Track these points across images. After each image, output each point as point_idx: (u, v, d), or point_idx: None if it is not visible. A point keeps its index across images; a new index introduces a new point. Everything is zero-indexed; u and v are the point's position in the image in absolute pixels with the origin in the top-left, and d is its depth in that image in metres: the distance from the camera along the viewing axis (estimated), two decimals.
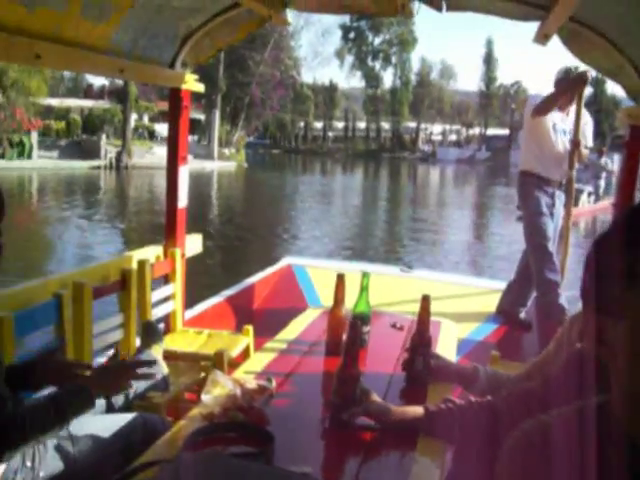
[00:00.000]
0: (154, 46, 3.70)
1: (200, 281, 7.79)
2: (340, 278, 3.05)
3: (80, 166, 39.68)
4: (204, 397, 2.30)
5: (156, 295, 4.16)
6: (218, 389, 2.30)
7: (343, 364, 2.26)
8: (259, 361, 2.90)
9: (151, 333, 3.45)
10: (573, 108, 5.64)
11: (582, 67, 5.29)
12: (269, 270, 6.40)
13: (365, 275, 2.96)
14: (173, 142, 4.30)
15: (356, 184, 43.57)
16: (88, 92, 60.08)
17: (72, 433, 2.32)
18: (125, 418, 2.55)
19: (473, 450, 2.08)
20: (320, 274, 6.36)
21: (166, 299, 4.31)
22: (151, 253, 4.30)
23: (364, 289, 2.99)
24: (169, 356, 3.48)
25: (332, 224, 22.44)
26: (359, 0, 3.87)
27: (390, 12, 3.88)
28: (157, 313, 4.17)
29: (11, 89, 37.55)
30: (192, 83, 4.18)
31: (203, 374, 3.57)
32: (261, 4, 3.59)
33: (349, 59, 77.11)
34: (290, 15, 3.95)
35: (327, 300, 5.49)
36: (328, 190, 37.17)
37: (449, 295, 5.81)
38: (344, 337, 2.95)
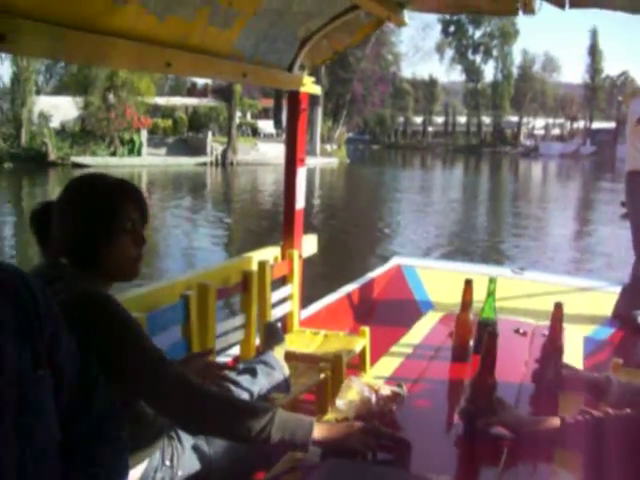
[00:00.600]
0: (274, 50, 3.73)
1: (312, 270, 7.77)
2: (468, 283, 2.96)
3: (187, 163, 40.72)
4: (338, 402, 2.30)
5: (275, 296, 4.17)
6: (352, 394, 2.30)
7: (479, 372, 2.22)
8: (386, 365, 2.88)
9: (272, 334, 3.47)
10: None
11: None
12: (379, 270, 6.37)
13: (492, 280, 2.88)
14: (291, 144, 4.31)
15: (457, 179, 43.21)
16: (192, 91, 61.31)
17: None
18: None
19: (613, 464, 2.01)
20: (430, 275, 6.32)
21: (284, 300, 4.32)
22: (270, 254, 4.33)
23: (491, 294, 2.91)
24: (288, 357, 3.48)
25: (435, 219, 22.30)
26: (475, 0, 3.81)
27: (510, 11, 3.77)
28: (275, 314, 4.19)
29: (122, 89, 38.78)
30: (310, 85, 4.20)
31: (322, 375, 3.56)
32: (380, 6, 3.56)
33: (449, 53, 76.34)
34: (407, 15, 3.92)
35: (438, 301, 5.47)
36: (430, 185, 37.20)
37: (562, 298, 5.65)
38: (471, 343, 2.94)
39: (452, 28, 73.09)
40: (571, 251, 16.98)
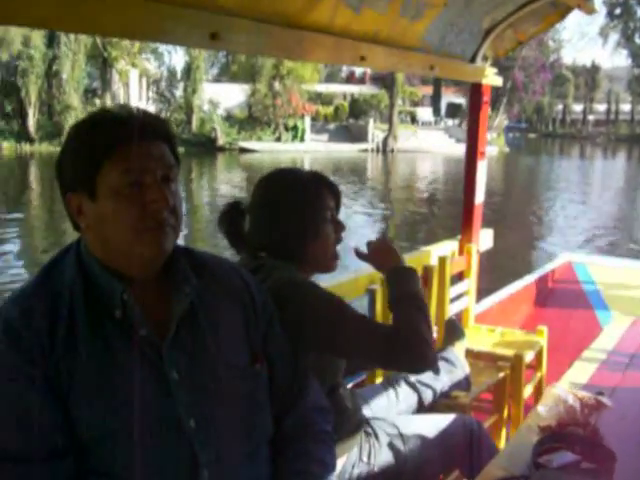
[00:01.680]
0: (459, 41, 3.66)
1: None
2: None
3: (349, 149, 41.18)
4: (540, 408, 2.26)
5: (452, 291, 4.09)
6: (556, 401, 2.24)
7: None
8: (582, 372, 2.78)
9: (453, 331, 3.43)
10: None
11: None
12: (548, 267, 6.13)
13: None
14: (473, 136, 4.21)
15: (620, 170, 41.28)
16: (350, 78, 61.62)
17: (402, 432, 2.35)
18: (446, 419, 2.53)
19: None
20: (603, 272, 6.01)
21: (460, 296, 4.23)
22: (447, 248, 4.26)
23: None
24: (466, 354, 3.41)
25: (599, 212, 21.49)
26: None
27: None
28: (451, 309, 4.10)
29: (287, 77, 39.59)
30: (492, 77, 4.11)
31: (501, 374, 3.47)
32: None
33: (613, 37, 72.90)
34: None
35: (614, 302, 5.22)
36: (592, 176, 35.76)
37: None
38: None
39: (618, 10, 69.66)
40: None
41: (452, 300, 4.11)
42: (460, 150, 37.53)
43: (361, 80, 58.25)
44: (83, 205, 1.50)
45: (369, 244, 2.31)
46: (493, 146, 46.74)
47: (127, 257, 1.51)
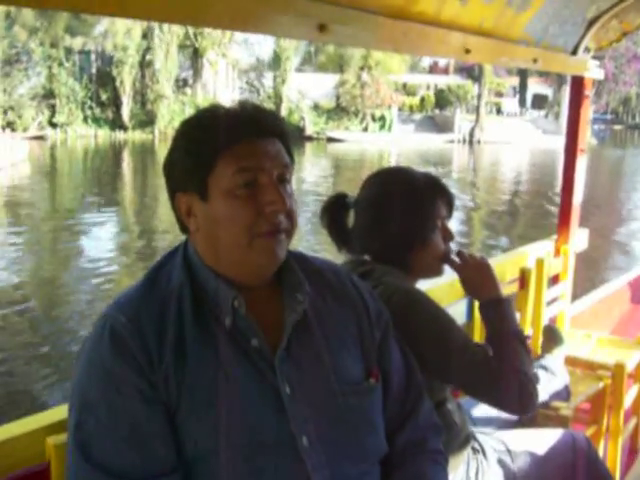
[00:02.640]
0: (562, 33, 3.51)
1: None
2: None
3: (436, 139, 40.98)
4: None
5: (547, 295, 3.93)
6: None
7: None
8: None
9: (552, 337, 3.31)
10: None
11: None
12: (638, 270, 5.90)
13: None
14: (573, 132, 4.03)
15: None
16: (433, 68, 60.94)
17: (509, 447, 2.20)
18: (555, 435, 2.36)
19: None
20: None
21: (555, 299, 4.07)
22: (543, 249, 4.09)
23: None
24: (565, 361, 3.27)
25: None
26: None
27: None
28: (546, 314, 3.93)
29: (375, 68, 39.58)
30: (594, 70, 3.93)
31: (601, 384, 3.33)
32: None
33: None
34: None
35: None
36: None
37: None
38: None
39: None
40: None
41: (547, 304, 3.95)
42: (546, 142, 37.27)
43: (445, 70, 57.53)
44: (194, 206, 1.43)
45: (461, 255, 2.15)
46: None
47: (239, 263, 1.42)
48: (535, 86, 58.44)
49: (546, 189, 23.14)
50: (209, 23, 2.28)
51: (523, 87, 57.10)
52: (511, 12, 2.99)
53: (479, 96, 44.22)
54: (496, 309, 2.05)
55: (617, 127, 67.38)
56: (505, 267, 3.68)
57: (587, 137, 4.09)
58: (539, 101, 56.49)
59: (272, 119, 1.50)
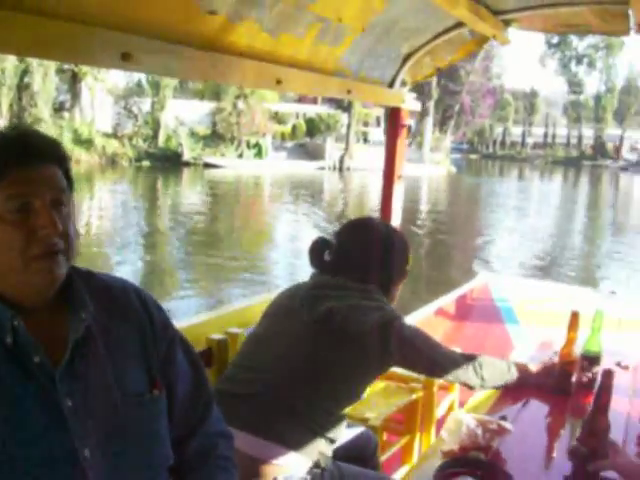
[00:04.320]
0: (377, 66, 3.64)
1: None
2: (574, 317, 2.82)
3: (307, 167, 41.46)
4: (443, 433, 2.25)
5: None
6: (461, 428, 2.21)
7: (593, 412, 2.09)
8: (487, 396, 2.75)
9: None
10: None
11: None
12: (465, 287, 6.10)
13: (599, 313, 2.74)
14: (390, 159, 4.15)
15: (556, 192, 42.10)
16: (302, 98, 61.55)
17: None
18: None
19: None
20: (517, 293, 6.02)
21: None
22: None
23: (596, 329, 2.77)
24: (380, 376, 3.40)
25: (531, 233, 21.88)
26: (587, 19, 3.64)
27: (622, 31, 3.61)
28: None
29: (251, 97, 39.77)
30: (410, 102, 4.07)
31: (413, 396, 3.44)
32: (485, 24, 3.46)
33: (552, 65, 74.26)
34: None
35: (528, 323, 5.25)
36: (534, 196, 36.87)
37: None
38: (574, 377, 2.79)
39: (556, 40, 70.98)
40: None
41: None
42: (410, 169, 38.26)
43: (314, 100, 58.29)
44: None
45: None
46: (441, 166, 47.25)
47: (17, 286, 1.41)
48: None
49: (410, 214, 23.82)
50: (14, 50, 2.22)
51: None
52: (325, 46, 3.07)
53: (348, 125, 45.13)
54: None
55: (473, 156, 70.14)
56: None
57: (403, 164, 4.18)
58: None
59: (45, 144, 1.48)
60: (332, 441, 2.35)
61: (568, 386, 2.78)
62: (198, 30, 2.37)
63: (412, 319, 4.91)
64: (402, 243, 2.65)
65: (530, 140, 79.51)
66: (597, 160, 71.97)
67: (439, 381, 3.67)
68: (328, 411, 2.34)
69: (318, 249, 2.59)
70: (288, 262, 14.51)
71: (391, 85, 3.88)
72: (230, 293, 12.02)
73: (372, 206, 27.27)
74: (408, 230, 20.11)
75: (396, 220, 4.19)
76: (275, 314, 2.53)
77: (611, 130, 75.16)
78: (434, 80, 50.36)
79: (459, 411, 2.32)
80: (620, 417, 2.57)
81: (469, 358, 2.52)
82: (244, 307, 3.34)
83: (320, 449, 2.26)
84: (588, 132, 76.13)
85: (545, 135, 79.39)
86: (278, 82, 2.84)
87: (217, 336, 2.91)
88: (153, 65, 2.33)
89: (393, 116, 4.12)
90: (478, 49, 4.07)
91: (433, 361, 2.47)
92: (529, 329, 4.80)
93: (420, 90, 50.84)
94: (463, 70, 54.10)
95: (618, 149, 74.84)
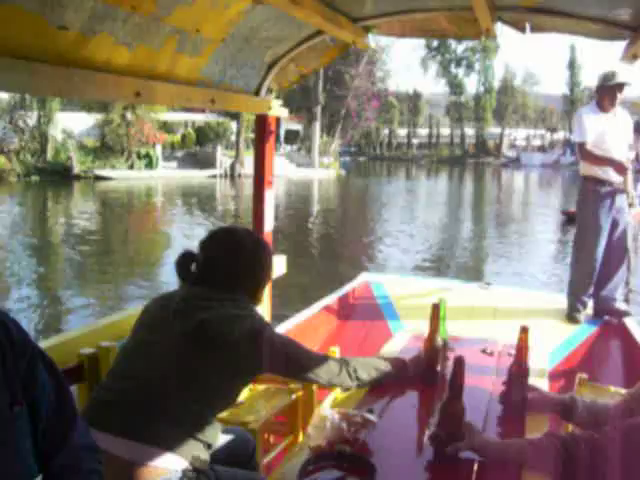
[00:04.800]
0: (241, 75, 3.67)
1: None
2: (436, 307, 2.90)
3: (199, 175, 41.10)
4: (310, 429, 2.29)
5: None
6: (326, 423, 2.25)
7: (448, 399, 2.19)
8: (358, 391, 2.80)
9: None
10: (617, 109, 5.74)
11: (619, 72, 5.48)
12: (347, 287, 6.23)
13: (442, 302, 2.84)
14: (260, 166, 4.18)
15: (441, 190, 43.32)
16: (190, 107, 60.85)
17: None
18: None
19: None
20: (398, 290, 6.21)
21: None
22: None
23: (443, 317, 2.87)
24: (259, 379, 3.40)
25: (418, 230, 22.44)
26: (442, 24, 3.78)
27: (473, 35, 3.77)
28: None
29: (139, 107, 39.10)
30: (277, 109, 4.11)
31: (293, 396, 3.48)
32: (344, 31, 3.53)
33: (433, 67, 76.15)
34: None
35: (406, 317, 5.41)
36: (420, 194, 37.60)
37: (528, 312, 5.56)
38: (439, 367, 2.90)
39: (435, 43, 72.74)
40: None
41: None
42: (300, 173, 38.41)
43: (202, 109, 57.72)
44: None
45: None
46: (331, 169, 47.68)
47: None
48: (287, 122, 60.30)
49: (302, 216, 24.00)
50: None
51: (277, 123, 58.44)
52: (185, 57, 3.07)
53: (238, 133, 44.92)
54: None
55: (361, 158, 71.09)
56: None
57: (273, 170, 4.22)
58: (292, 136, 58.20)
59: None
60: (208, 445, 2.37)
61: (434, 375, 2.89)
62: (50, 46, 2.34)
63: (291, 323, 4.98)
64: (264, 248, 2.71)
65: (415, 141, 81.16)
66: (480, 158, 74.26)
67: None
68: (201, 415, 2.36)
69: (184, 262, 2.63)
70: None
71: (257, 93, 3.91)
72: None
73: None
74: (301, 230, 20.29)
75: (268, 225, 4.23)
76: (148, 325, 2.53)
77: (491, 129, 77.75)
78: (320, 86, 50.80)
79: (323, 406, 2.36)
80: (482, 400, 2.71)
81: (342, 362, 2.62)
82: (116, 320, 3.30)
83: (196, 452, 2.28)
84: (470, 131, 78.46)
85: (430, 135, 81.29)
86: (137, 94, 2.83)
87: (88, 350, 2.88)
88: (7, 83, 2.29)
89: (260, 123, 4.15)
90: (341, 54, 4.15)
91: (304, 368, 2.54)
92: (407, 323, 4.93)
93: (307, 96, 51.31)
94: (348, 75, 54.84)
95: (499, 147, 77.47)
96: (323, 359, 2.60)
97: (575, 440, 2.10)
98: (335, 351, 4.07)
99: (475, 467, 2.15)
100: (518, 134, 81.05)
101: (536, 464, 2.10)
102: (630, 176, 5.59)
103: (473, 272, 14.38)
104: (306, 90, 52.38)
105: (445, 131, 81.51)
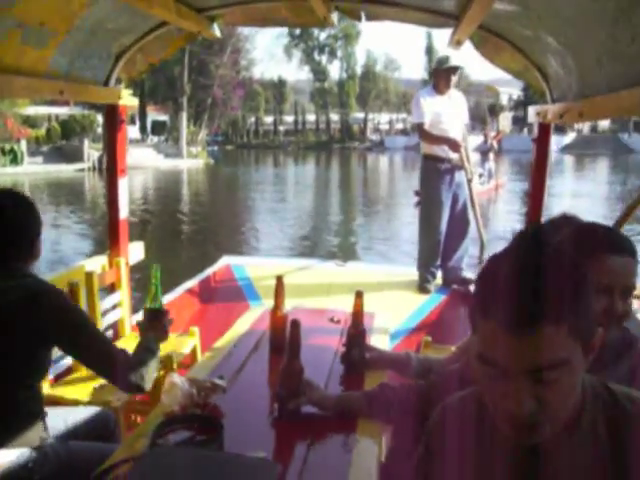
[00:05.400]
0: (89, 66, 3.71)
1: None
2: (279, 280, 3.04)
3: (66, 169, 39.63)
4: (163, 397, 2.37)
5: (105, 304, 4.10)
6: (176, 390, 2.36)
7: (287, 360, 2.36)
8: (210, 360, 2.95)
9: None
10: (452, 91, 6.07)
11: (453, 57, 5.82)
12: (209, 271, 6.31)
13: (155, 270, 2.60)
14: (112, 155, 4.19)
15: (308, 174, 43.65)
16: (54, 100, 58.70)
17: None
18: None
19: (408, 428, 2.18)
20: (258, 272, 6.33)
21: (114, 307, 4.24)
22: (97, 263, 4.26)
23: (155, 285, 2.64)
24: None
25: (287, 207, 22.64)
26: (281, 13, 3.91)
27: (312, 23, 3.93)
28: (107, 320, 4.11)
29: (2, 102, 37.38)
30: (127, 98, 4.14)
31: (165, 381, 3.56)
32: (188, 22, 3.60)
33: (297, 55, 76.68)
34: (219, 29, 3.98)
35: (267, 297, 5.55)
36: (288, 180, 37.91)
37: (383, 285, 5.84)
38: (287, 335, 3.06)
39: (298, 31, 73.19)
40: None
41: (107, 312, 4.13)
42: (169, 164, 37.71)
43: (66, 102, 55.78)
44: None
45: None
46: (199, 159, 47.21)
47: None
48: (153, 113, 59.21)
49: (172, 204, 23.74)
50: None
51: (143, 115, 57.49)
52: (31, 49, 3.07)
53: (104, 125, 43.78)
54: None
55: (229, 147, 70.60)
56: (56, 283, 3.70)
57: (126, 158, 4.26)
58: (159, 127, 57.27)
59: None
60: (42, 418, 2.41)
61: (282, 345, 3.00)
62: None
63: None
64: (31, 214, 2.53)
65: (282, 128, 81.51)
66: (345, 143, 75.52)
67: (179, 358, 3.83)
68: (19, 391, 2.36)
69: None
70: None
71: (106, 83, 3.94)
72: None
73: (132, 199, 26.89)
74: (171, 219, 20.08)
75: (124, 213, 4.28)
76: None
77: (356, 114, 79.12)
78: (185, 76, 50.13)
79: (173, 375, 2.45)
80: (327, 362, 2.91)
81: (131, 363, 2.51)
82: None
83: (35, 432, 2.34)
84: (335, 117, 79.68)
85: (296, 122, 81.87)
86: None
87: None
88: None
89: (110, 113, 4.18)
90: (188, 43, 4.21)
91: (92, 345, 2.44)
92: (268, 303, 5.06)
93: (172, 87, 50.59)
94: (213, 65, 54.37)
95: (363, 131, 79.04)
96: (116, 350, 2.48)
97: (404, 388, 2.33)
98: (195, 332, 4.19)
99: (315, 419, 2.35)
100: (381, 118, 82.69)
101: (369, 412, 2.33)
102: (464, 153, 5.92)
103: (342, 252, 14.67)
104: (171, 80, 51.62)
105: (311, 117, 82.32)
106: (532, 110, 3.98)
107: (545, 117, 3.73)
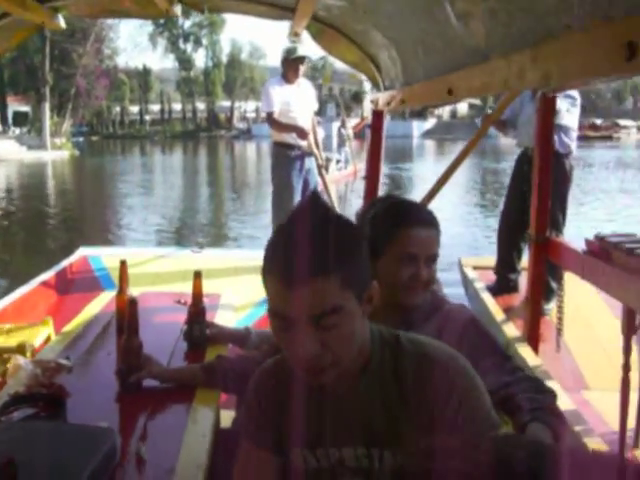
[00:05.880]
0: None
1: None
2: (123, 264, 3.23)
3: None
4: (9, 380, 2.44)
5: None
6: (21, 372, 2.42)
7: (126, 336, 2.49)
8: (58, 344, 3.02)
9: None
10: (300, 80, 6.33)
11: (300, 47, 6.04)
12: (65, 262, 6.13)
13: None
14: None
15: (176, 164, 43.10)
16: None
17: None
18: None
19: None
20: (115, 262, 6.25)
21: None
22: None
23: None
24: None
25: (152, 197, 22.42)
26: (125, 4, 3.92)
27: (156, 14, 3.94)
28: None
29: None
30: None
31: (8, 365, 3.55)
32: (31, 13, 3.56)
33: (162, 43, 75.45)
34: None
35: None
36: (155, 169, 37.41)
37: (238, 269, 5.93)
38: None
39: (162, 19, 71.65)
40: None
41: None
42: (32, 156, 36.26)
43: None
44: None
45: None
46: (64, 150, 45.71)
47: None
48: (15, 104, 56.89)
49: (35, 199, 22.93)
50: None
51: (3, 105, 55.14)
52: None
53: None
54: None
55: (94, 138, 68.64)
56: None
57: None
58: (21, 118, 54.99)
59: None
60: None
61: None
62: None
63: (7, 301, 4.86)
64: None
65: (148, 117, 79.80)
66: (212, 131, 74.79)
67: (32, 347, 3.80)
68: None
69: None
70: None
71: None
72: None
73: None
74: (34, 211, 19.42)
75: None
76: None
77: (222, 102, 78.67)
78: (47, 65, 48.37)
79: (17, 357, 2.52)
80: (172, 340, 3.05)
81: None
82: None
83: None
84: (202, 105, 78.94)
85: (162, 111, 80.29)
86: None
87: None
88: None
89: None
90: (34, 34, 4.16)
91: None
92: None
93: (33, 77, 48.76)
94: (76, 54, 52.75)
95: (230, 119, 78.58)
96: None
97: (239, 359, 2.52)
98: (49, 321, 4.19)
99: (156, 391, 2.50)
100: (248, 107, 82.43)
101: (207, 382, 2.51)
102: (313, 140, 6.15)
103: (212, 238, 14.69)
104: (32, 70, 49.72)
105: (177, 106, 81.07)
106: (369, 99, 4.18)
107: (377, 104, 3.96)
